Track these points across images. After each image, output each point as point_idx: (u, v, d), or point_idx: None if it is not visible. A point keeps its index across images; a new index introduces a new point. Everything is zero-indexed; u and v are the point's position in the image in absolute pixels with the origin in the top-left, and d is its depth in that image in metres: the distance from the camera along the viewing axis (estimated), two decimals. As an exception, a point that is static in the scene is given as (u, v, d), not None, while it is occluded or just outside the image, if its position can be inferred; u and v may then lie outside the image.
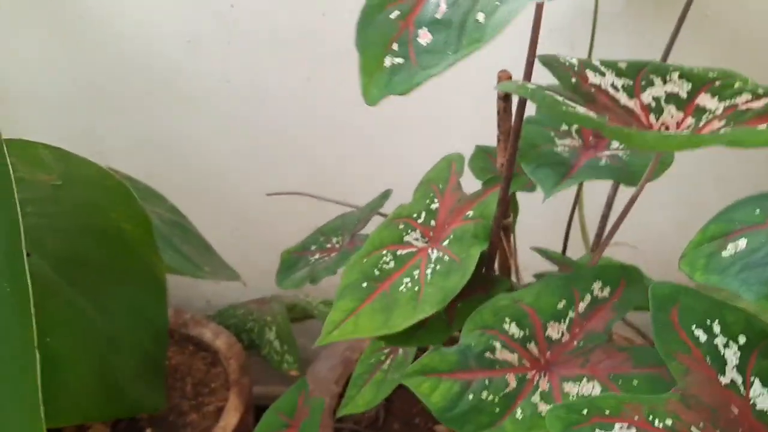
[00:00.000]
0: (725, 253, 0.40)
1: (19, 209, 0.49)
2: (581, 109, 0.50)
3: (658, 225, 1.06)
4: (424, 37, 0.46)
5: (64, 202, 0.76)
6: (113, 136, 1.13)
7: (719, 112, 0.53)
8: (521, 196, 0.75)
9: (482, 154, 0.81)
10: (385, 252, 0.65)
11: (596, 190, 0.88)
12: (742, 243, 0.40)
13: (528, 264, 0.86)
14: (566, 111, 0.48)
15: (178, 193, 1.05)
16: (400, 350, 0.77)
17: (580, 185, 0.83)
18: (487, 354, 0.56)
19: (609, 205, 0.79)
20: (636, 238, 0.90)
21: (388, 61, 0.46)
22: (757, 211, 0.44)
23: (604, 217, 0.79)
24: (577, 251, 0.86)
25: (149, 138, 1.13)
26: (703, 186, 1.02)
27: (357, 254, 0.65)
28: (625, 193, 0.77)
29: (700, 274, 0.41)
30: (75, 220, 0.76)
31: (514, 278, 0.76)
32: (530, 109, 0.67)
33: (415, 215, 0.69)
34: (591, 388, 0.54)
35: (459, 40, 0.44)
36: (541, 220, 1.00)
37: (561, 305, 0.58)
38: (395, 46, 0.46)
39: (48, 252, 0.74)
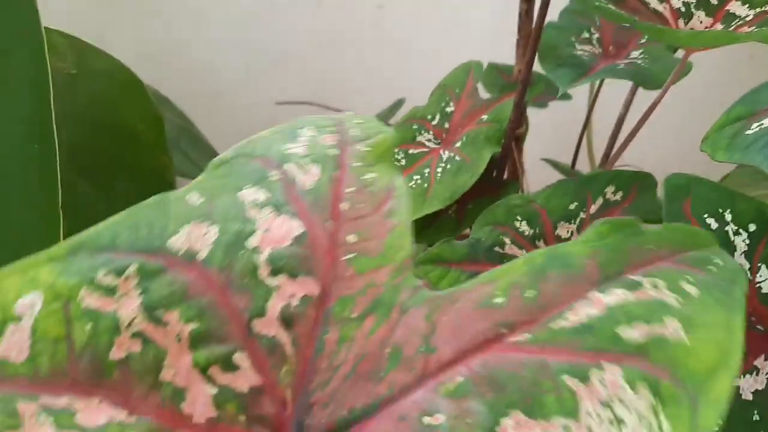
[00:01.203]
0: (749, 132, 0.41)
1: (49, 69, 0.48)
2: (612, 7, 0.50)
3: (662, 149, 1.07)
4: None
5: (77, 93, 0.75)
6: (122, 45, 1.12)
7: (749, 18, 0.53)
8: (532, 118, 0.76)
9: (494, 71, 0.81)
10: (397, 150, 0.66)
11: (607, 109, 0.88)
12: (767, 122, 0.41)
13: (535, 182, 0.87)
14: (599, 5, 0.49)
15: (186, 103, 1.05)
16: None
17: (592, 104, 0.84)
18: (497, 248, 0.57)
19: (619, 124, 0.79)
20: (639, 161, 0.91)
21: None
22: (782, 94, 0.44)
23: (614, 136, 0.80)
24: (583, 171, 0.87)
25: (158, 48, 1.12)
26: (710, 113, 1.02)
27: (370, 150, 0.66)
28: (634, 114, 0.78)
29: (722, 153, 0.41)
30: (88, 111, 0.76)
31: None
32: (551, 16, 0.67)
33: (429, 116, 0.69)
34: (596, 285, 0.55)
35: None
36: (550, 139, 1.01)
37: (573, 206, 0.59)
38: None
39: (60, 140, 0.74)
